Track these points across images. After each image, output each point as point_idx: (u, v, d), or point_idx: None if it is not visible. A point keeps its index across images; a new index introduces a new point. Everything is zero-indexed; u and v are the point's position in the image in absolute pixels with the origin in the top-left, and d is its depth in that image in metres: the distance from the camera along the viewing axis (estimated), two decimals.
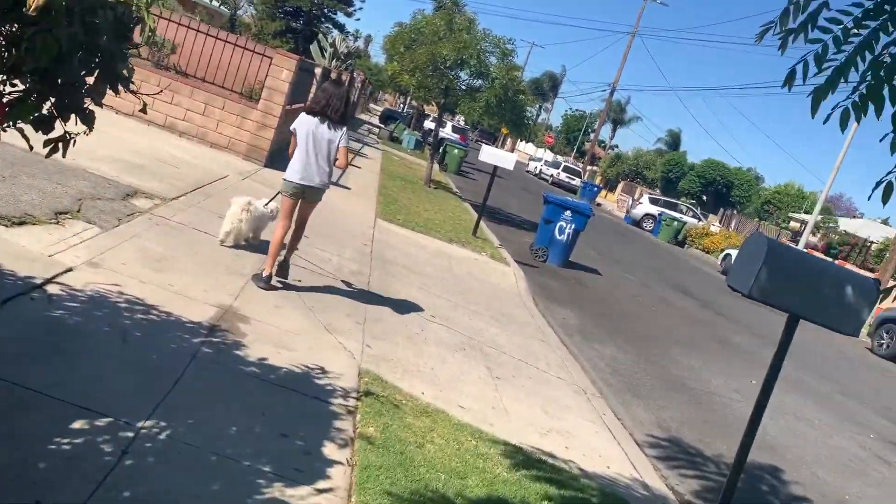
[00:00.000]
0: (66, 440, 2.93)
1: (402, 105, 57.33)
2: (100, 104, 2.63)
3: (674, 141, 62.93)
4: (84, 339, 3.82)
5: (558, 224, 13.14)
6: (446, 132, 36.99)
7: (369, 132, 31.92)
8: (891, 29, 2.13)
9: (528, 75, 70.33)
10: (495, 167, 13.20)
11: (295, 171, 5.90)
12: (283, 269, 6.15)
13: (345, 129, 6.02)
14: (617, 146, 72.10)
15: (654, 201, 35.42)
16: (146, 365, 3.81)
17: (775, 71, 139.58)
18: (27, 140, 2.48)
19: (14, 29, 2.29)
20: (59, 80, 2.47)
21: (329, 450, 3.66)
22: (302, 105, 10.90)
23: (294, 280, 6.29)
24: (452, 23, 16.36)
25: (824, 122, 2.33)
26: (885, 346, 16.38)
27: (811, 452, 7.22)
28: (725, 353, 10.90)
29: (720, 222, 38.99)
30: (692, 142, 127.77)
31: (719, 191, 45.96)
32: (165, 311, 4.54)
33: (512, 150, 54.68)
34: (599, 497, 4.35)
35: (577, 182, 43.21)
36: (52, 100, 2.50)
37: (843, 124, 2.29)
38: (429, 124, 37.80)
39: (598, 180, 52.41)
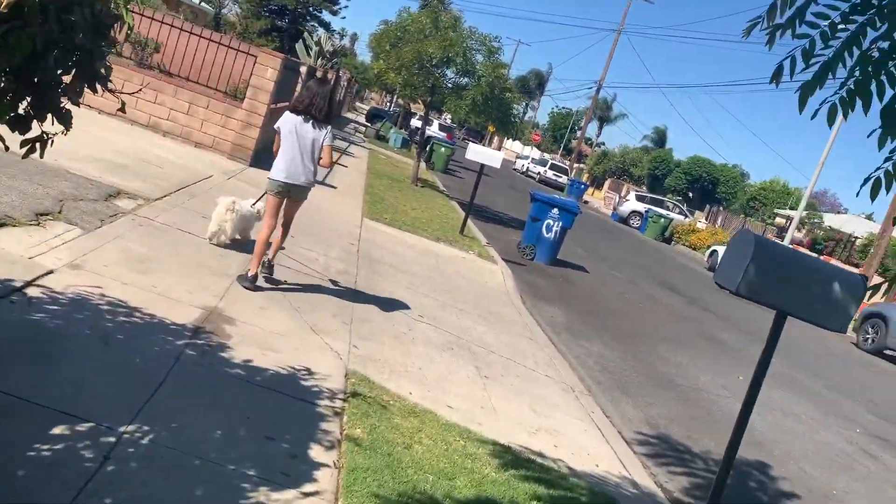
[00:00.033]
0: (46, 446, 2.87)
1: (388, 103, 57.25)
2: (77, 103, 2.58)
3: (660, 138, 63.25)
4: (65, 343, 3.75)
5: (546, 222, 13.14)
6: (433, 130, 36.96)
7: (356, 131, 31.83)
8: (878, 23, 2.12)
9: (515, 73, 70.46)
10: (482, 165, 13.18)
11: (280, 170, 5.87)
12: (268, 268, 6.12)
13: (329, 127, 5.98)
14: (603, 143, 72.32)
15: (640, 198, 35.52)
16: (129, 368, 3.75)
17: (760, 68, 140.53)
18: (2, 140, 2.42)
19: None
20: (35, 79, 2.42)
21: (315, 452, 3.62)
22: (287, 104, 10.83)
23: (280, 280, 6.25)
24: (438, 20, 16.33)
25: (812, 118, 2.31)
26: (869, 341, 16.50)
27: (798, 448, 7.25)
28: (712, 349, 10.93)
29: (706, 219, 39.18)
30: (678, 139, 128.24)
31: (705, 187, 46.21)
32: (149, 314, 4.48)
33: (499, 149, 54.71)
34: (588, 496, 4.33)
35: (564, 180, 43.30)
36: (28, 99, 2.45)
37: (831, 120, 2.28)
38: (415, 122, 37.76)
39: (584, 178, 52.57)
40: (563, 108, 77.31)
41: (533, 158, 49.59)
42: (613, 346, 8.91)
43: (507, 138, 62.82)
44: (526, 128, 74.40)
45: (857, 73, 2.18)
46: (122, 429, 3.17)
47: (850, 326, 17.07)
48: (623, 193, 40.90)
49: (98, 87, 2.63)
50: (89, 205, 6.25)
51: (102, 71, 2.61)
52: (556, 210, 13.15)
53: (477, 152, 13.26)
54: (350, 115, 43.16)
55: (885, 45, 2.09)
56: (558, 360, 7.28)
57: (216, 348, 4.39)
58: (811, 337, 15.05)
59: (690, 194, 46.25)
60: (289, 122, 5.86)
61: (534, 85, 77.98)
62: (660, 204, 34.98)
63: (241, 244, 6.73)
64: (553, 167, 45.34)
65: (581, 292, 11.90)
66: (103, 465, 2.88)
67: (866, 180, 2.25)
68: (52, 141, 2.63)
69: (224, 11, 43.55)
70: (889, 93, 2.12)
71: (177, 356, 4.07)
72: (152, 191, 7.55)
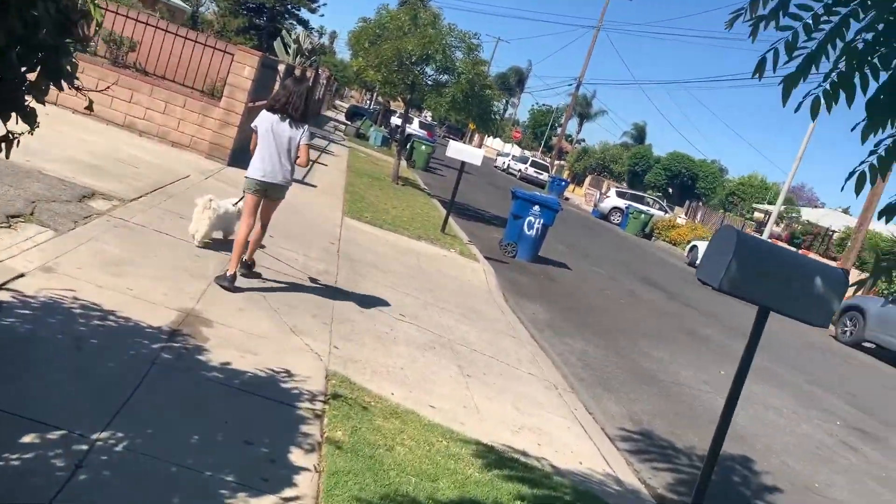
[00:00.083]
0: (14, 455, 2.78)
1: (368, 101, 57.00)
2: (42, 101, 2.50)
3: (639, 134, 63.61)
4: (36, 348, 3.66)
5: (527, 219, 13.12)
6: (414, 128, 36.88)
7: (335, 129, 31.65)
8: (861, 15, 2.10)
9: (495, 70, 70.54)
10: (463, 163, 13.14)
11: (257, 169, 5.80)
12: (246, 267, 6.05)
13: (306, 126, 5.93)
14: (584, 140, 72.57)
15: (621, 195, 35.67)
16: (102, 373, 3.66)
17: (739, 64, 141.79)
18: None
19: None
20: None
21: (295, 456, 3.55)
22: (265, 102, 10.72)
23: (258, 272, 6.18)
24: (417, 18, 16.26)
25: (795, 111, 2.29)
26: (848, 334, 16.67)
27: (780, 441, 7.28)
28: (694, 344, 10.97)
29: (686, 214, 39.39)
30: (657, 135, 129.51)
31: (685, 183, 46.49)
32: (124, 317, 4.38)
33: (480, 146, 54.72)
34: (573, 494, 4.30)
35: (544, 177, 43.39)
36: None
37: (814, 112, 2.26)
38: (396, 120, 37.64)
39: (565, 175, 52.67)
40: (544, 105, 77.73)
41: (514, 156, 49.61)
42: (595, 342, 8.90)
43: (488, 136, 62.89)
44: (506, 125, 74.54)
45: (841, 66, 2.15)
46: (94, 436, 3.08)
47: None
48: (604, 190, 41.01)
49: (64, 84, 2.55)
50: (62, 206, 6.12)
51: (68, 68, 2.54)
52: (537, 207, 13.13)
53: (458, 150, 13.22)
54: (330, 114, 42.91)
55: (869, 36, 2.07)
56: (541, 357, 7.26)
57: (193, 351, 4.31)
58: (791, 330, 15.17)
59: (670, 190, 46.52)
60: (265, 121, 5.80)
61: (514, 82, 78.06)
62: (640, 200, 35.15)
63: (221, 245, 6.63)
64: (534, 164, 45.43)
65: (563, 289, 11.90)
66: (75, 474, 2.80)
67: (851, 174, 2.22)
68: (19, 141, 2.55)
69: (201, 9, 43.20)
70: (874, 84, 2.09)
71: (152, 360, 3.98)
72: (128, 191, 7.42)
